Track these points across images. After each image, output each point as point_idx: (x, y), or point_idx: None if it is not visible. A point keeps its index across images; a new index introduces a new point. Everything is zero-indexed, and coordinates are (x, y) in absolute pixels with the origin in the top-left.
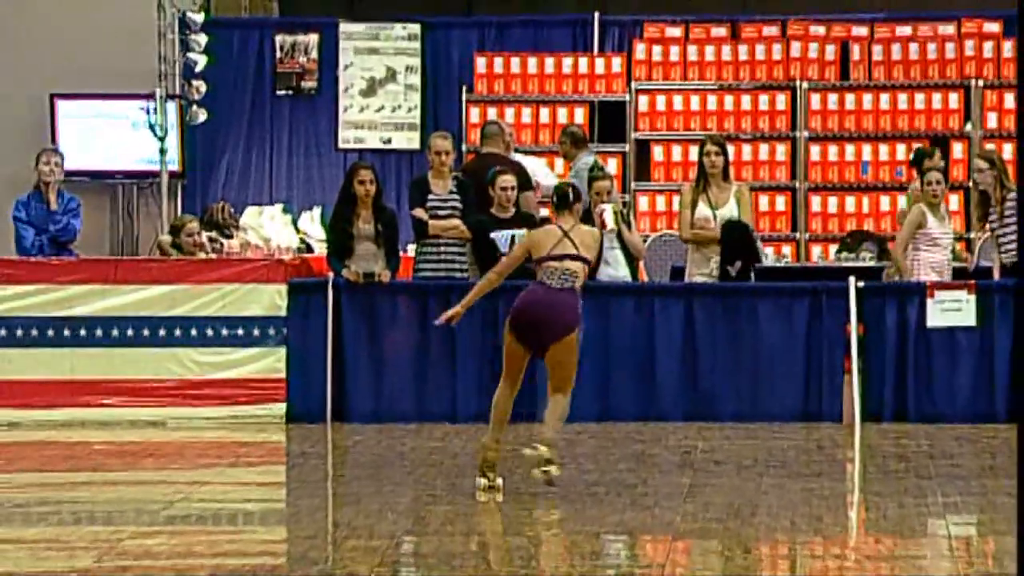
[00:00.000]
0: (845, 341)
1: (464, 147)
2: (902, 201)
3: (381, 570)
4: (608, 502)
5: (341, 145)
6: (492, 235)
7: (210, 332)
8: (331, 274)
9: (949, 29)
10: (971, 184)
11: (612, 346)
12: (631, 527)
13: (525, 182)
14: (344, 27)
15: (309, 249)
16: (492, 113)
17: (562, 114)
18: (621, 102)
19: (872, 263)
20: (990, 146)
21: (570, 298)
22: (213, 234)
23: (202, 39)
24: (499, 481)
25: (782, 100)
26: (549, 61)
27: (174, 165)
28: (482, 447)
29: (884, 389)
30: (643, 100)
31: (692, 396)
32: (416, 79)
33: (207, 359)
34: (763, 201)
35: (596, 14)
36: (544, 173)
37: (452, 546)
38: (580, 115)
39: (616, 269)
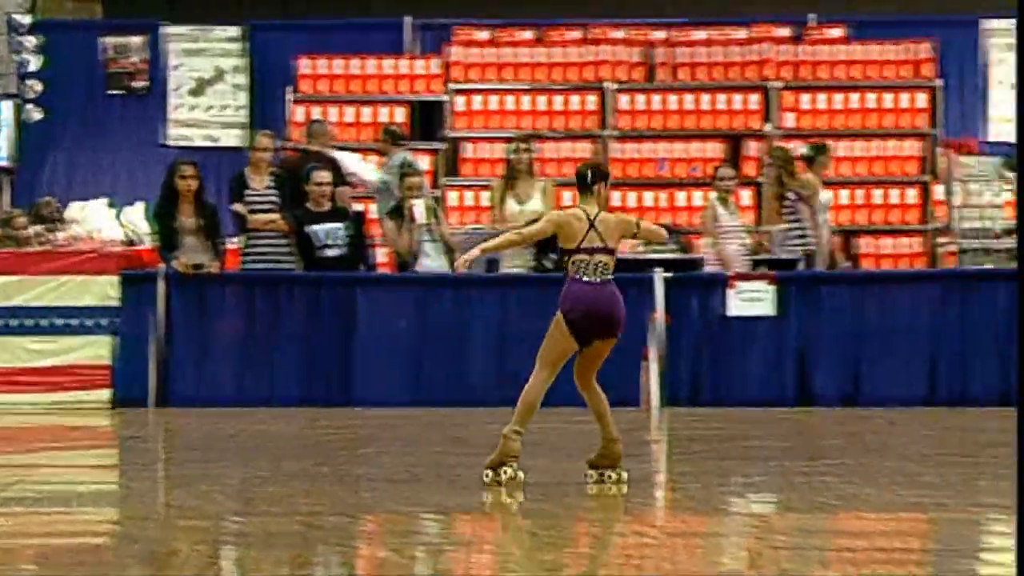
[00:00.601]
0: (646, 329)
1: (288, 144)
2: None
3: (200, 548)
4: (426, 483)
5: (169, 143)
6: (307, 229)
7: (44, 322)
8: (162, 265)
9: (741, 34)
10: (778, 178)
11: (428, 334)
12: (447, 506)
13: (340, 178)
14: (165, 29)
15: (132, 243)
16: (316, 112)
17: (383, 113)
18: (439, 102)
19: (674, 254)
20: (790, 145)
21: (616, 291)
22: (40, 228)
23: (31, 40)
24: (520, 474)
25: (592, 100)
26: (371, 63)
27: (5, 161)
28: (504, 438)
29: (683, 375)
30: (460, 100)
31: (504, 382)
32: (243, 79)
33: (38, 347)
34: (567, 197)
35: (408, 18)
36: (364, 168)
37: (275, 526)
38: (400, 114)
39: (433, 260)
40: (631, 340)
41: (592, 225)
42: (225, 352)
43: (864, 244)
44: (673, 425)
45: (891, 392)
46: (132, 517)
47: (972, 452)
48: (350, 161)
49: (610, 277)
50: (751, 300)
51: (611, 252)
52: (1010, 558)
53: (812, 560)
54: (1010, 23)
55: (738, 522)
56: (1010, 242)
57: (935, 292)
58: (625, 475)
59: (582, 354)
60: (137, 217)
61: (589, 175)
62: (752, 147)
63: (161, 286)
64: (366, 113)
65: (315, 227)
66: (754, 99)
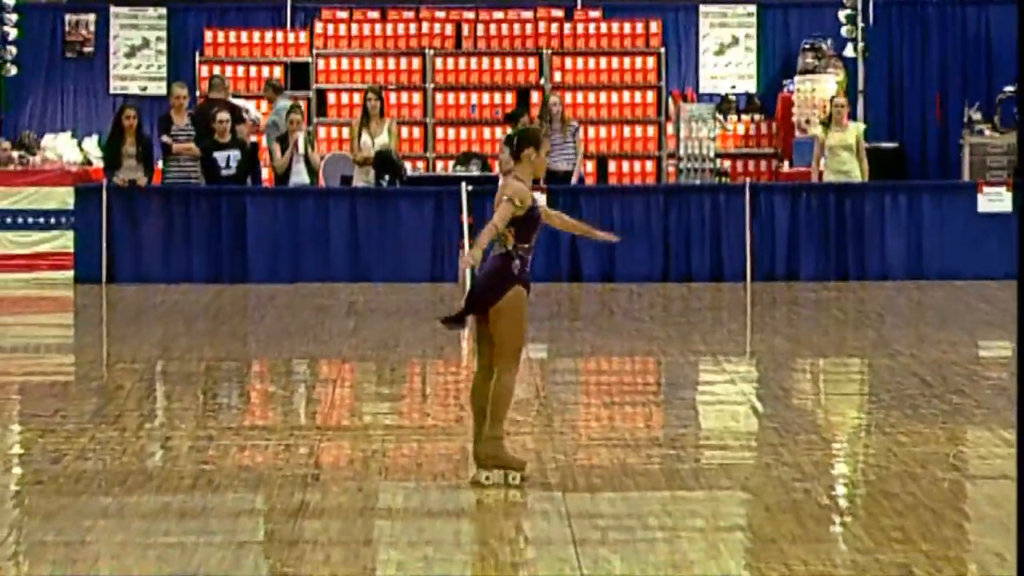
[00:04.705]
0: (460, 227)
1: (197, 93)
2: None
3: (139, 384)
4: (297, 337)
5: (112, 91)
6: (214, 154)
7: (20, 220)
8: (105, 180)
9: (527, 14)
10: (548, 117)
11: (299, 231)
12: (313, 355)
13: (238, 118)
14: (113, 9)
15: (89, 163)
16: (217, 70)
17: (265, 71)
18: (306, 63)
19: (477, 173)
20: (556, 95)
21: (489, 264)
22: (22, 152)
23: (12, 17)
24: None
25: (416, 62)
26: (256, 34)
27: None
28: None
29: None
30: (321, 61)
31: (354, 264)
32: (164, 46)
33: (19, 239)
34: (405, 131)
35: (288, 1)
36: (253, 111)
37: (189, 368)
38: (278, 71)
39: (301, 177)
40: (450, 235)
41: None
42: (153, 243)
43: (613, 165)
44: None
45: (637, 271)
46: (86, 362)
47: (688, 315)
48: (243, 105)
49: (501, 250)
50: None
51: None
52: (712, 389)
53: (578, 391)
54: (720, 7)
55: (532, 367)
56: (715, 164)
57: (662, 199)
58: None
59: None
60: (92, 146)
61: (515, 141)
62: (535, 96)
63: (104, 195)
64: (253, 70)
65: (217, 153)
66: (532, 62)
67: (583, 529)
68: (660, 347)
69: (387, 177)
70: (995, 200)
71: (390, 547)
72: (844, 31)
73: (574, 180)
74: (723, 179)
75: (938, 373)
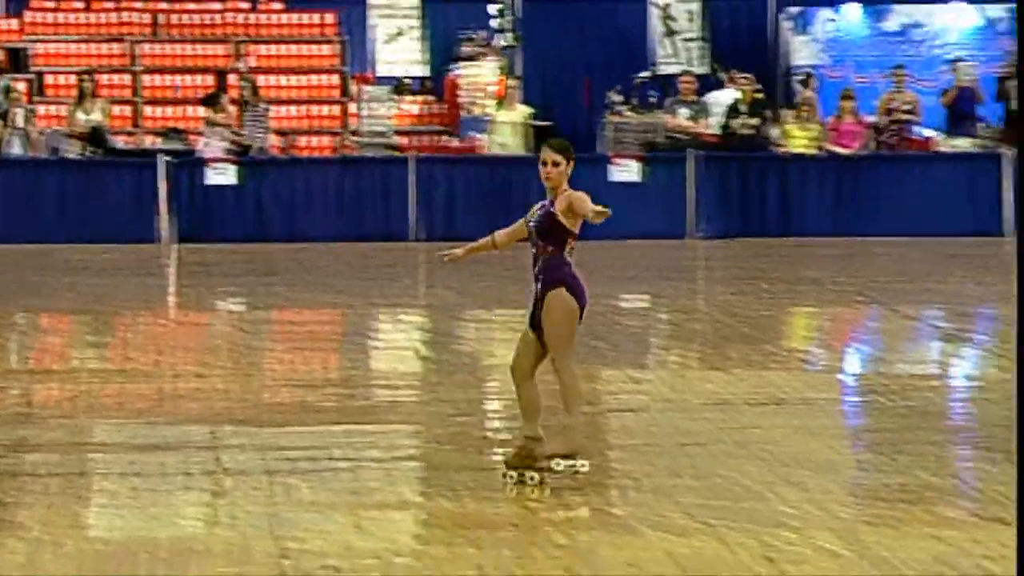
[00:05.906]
0: (156, 195)
1: None
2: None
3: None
4: (21, 294)
5: None
6: None
7: None
8: None
9: (217, 4)
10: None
11: (14, 197)
12: (33, 308)
13: None
14: None
15: None
16: None
17: None
18: (22, 48)
19: (181, 147)
20: (246, 80)
21: None
22: None
23: None
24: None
25: (122, 47)
26: None
27: None
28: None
29: (183, 221)
30: (39, 47)
31: (67, 227)
32: None
33: None
34: (117, 109)
35: None
36: None
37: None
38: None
39: (17, 149)
40: (151, 203)
41: None
42: None
43: (304, 141)
44: (180, 255)
45: (320, 232)
46: None
47: (368, 272)
48: None
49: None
50: (221, 175)
51: None
52: (384, 336)
53: (265, 339)
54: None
55: (225, 318)
56: (392, 140)
57: (344, 170)
58: (537, 477)
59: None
60: None
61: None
62: (231, 78)
63: None
64: None
65: None
66: (223, 48)
67: (274, 461)
68: (344, 300)
69: (92, 149)
70: (625, 171)
71: (102, 478)
72: (495, 23)
73: (260, 155)
74: (394, 152)
75: (583, 321)
